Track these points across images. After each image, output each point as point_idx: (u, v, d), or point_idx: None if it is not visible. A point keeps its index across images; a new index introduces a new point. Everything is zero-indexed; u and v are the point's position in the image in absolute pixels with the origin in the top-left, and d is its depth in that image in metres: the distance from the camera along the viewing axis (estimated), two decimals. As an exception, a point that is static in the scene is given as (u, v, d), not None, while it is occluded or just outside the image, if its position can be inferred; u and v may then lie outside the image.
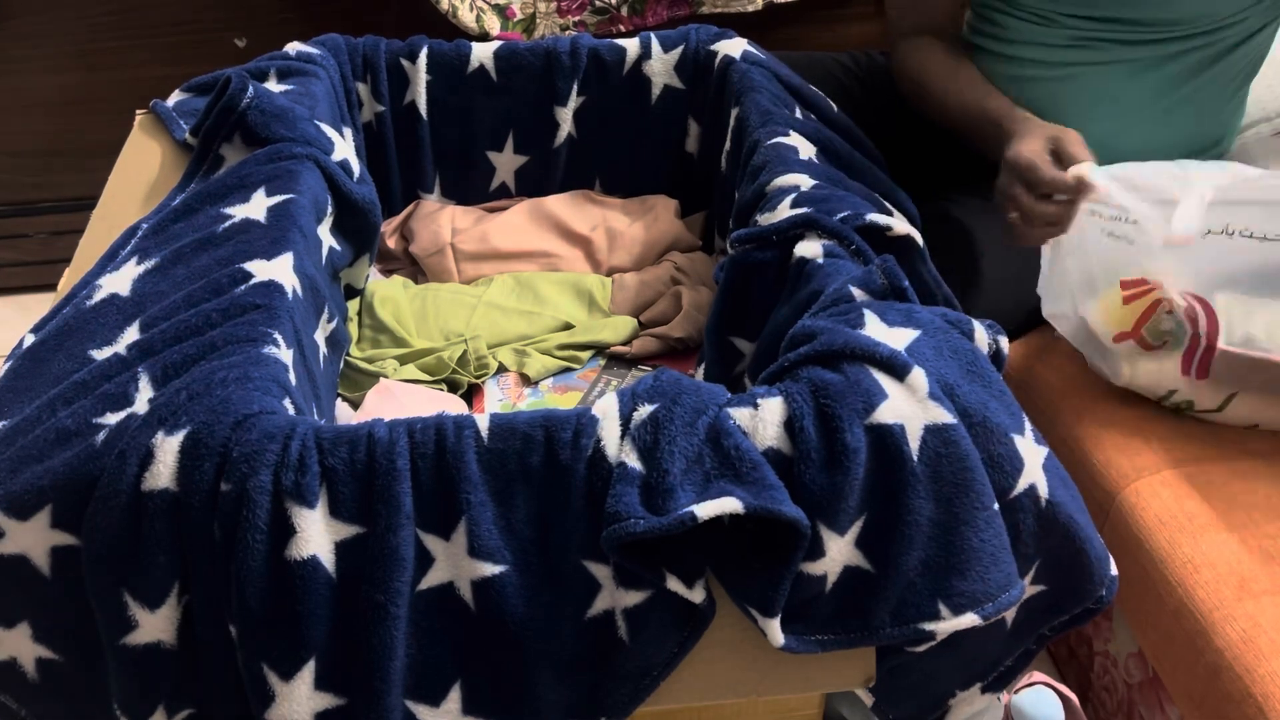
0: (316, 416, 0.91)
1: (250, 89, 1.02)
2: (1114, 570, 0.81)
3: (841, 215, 0.92)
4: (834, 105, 1.19)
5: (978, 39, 1.32)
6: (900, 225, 0.92)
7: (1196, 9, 1.18)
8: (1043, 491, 0.76)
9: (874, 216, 0.92)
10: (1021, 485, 0.75)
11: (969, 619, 0.73)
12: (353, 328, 1.14)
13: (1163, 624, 1.02)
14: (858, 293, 0.82)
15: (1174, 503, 1.06)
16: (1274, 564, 1.00)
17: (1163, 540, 1.04)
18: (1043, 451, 0.77)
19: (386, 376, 1.07)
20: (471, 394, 1.13)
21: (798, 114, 1.14)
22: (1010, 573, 0.75)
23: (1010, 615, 0.80)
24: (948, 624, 0.73)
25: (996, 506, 0.74)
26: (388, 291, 1.18)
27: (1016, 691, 1.08)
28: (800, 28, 1.73)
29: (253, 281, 0.85)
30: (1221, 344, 1.06)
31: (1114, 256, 1.10)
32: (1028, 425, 0.77)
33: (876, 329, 0.77)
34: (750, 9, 1.70)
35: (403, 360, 1.12)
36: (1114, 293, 1.11)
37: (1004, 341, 0.82)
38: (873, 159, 1.15)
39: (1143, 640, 1.08)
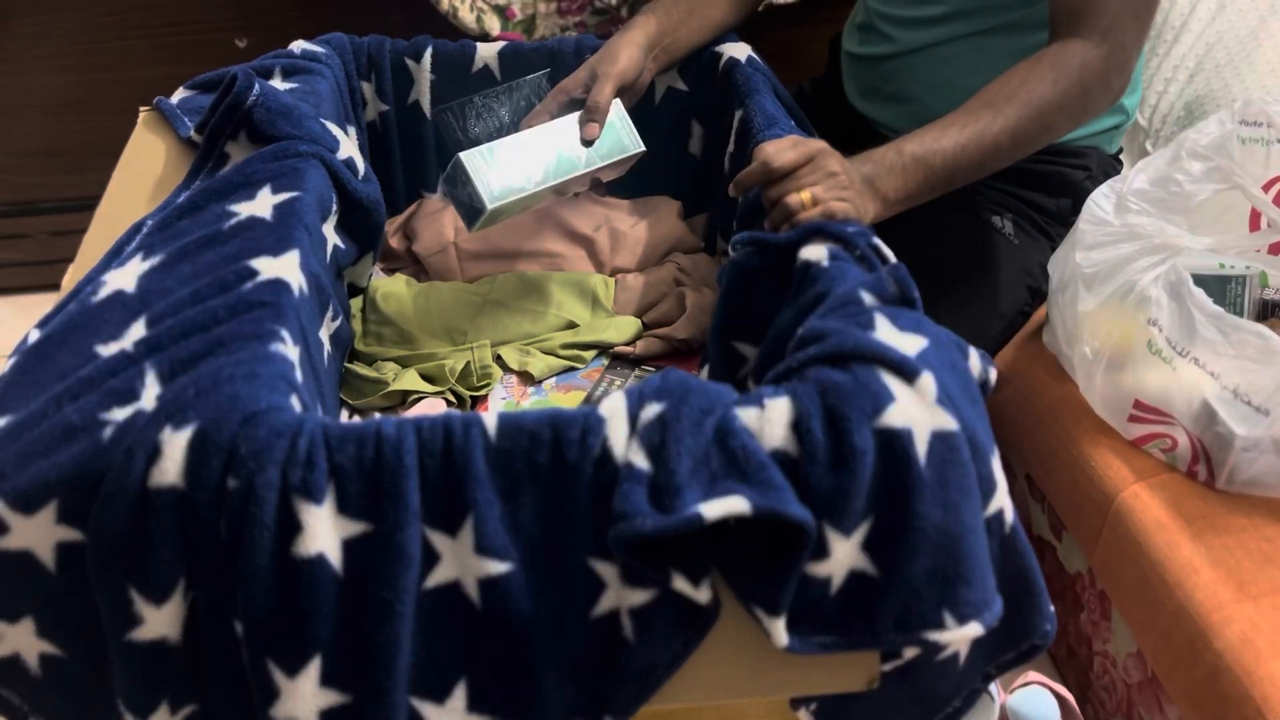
0: (321, 414, 0.91)
1: (256, 86, 1.02)
2: (1052, 607, 0.82)
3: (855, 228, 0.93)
4: (815, 131, 1.19)
5: (865, 48, 1.36)
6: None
7: None
8: (1008, 518, 0.77)
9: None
10: (992, 508, 0.76)
11: (973, 628, 0.73)
12: (356, 324, 1.15)
13: (1162, 625, 1.02)
14: (868, 297, 0.82)
15: (1173, 505, 1.07)
16: (1273, 566, 1.00)
17: (1162, 542, 1.04)
18: (1004, 479, 0.78)
19: (388, 383, 1.07)
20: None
21: (792, 124, 1.14)
22: (994, 583, 0.75)
23: (963, 651, 0.80)
24: (952, 634, 0.73)
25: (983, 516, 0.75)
26: (391, 288, 1.19)
27: (1011, 691, 1.08)
28: (800, 28, 1.74)
29: (259, 279, 0.85)
30: (1221, 486, 1.07)
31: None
32: (998, 451, 0.78)
33: (887, 332, 0.77)
34: (751, 11, 1.70)
35: (404, 363, 1.12)
36: (1111, 317, 1.12)
37: (993, 373, 0.83)
38: None
39: (1142, 641, 1.08)
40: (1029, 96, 1.07)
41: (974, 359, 0.81)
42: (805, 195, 0.94)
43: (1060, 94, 1.08)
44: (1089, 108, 1.11)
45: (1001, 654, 0.83)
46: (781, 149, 0.96)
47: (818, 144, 0.98)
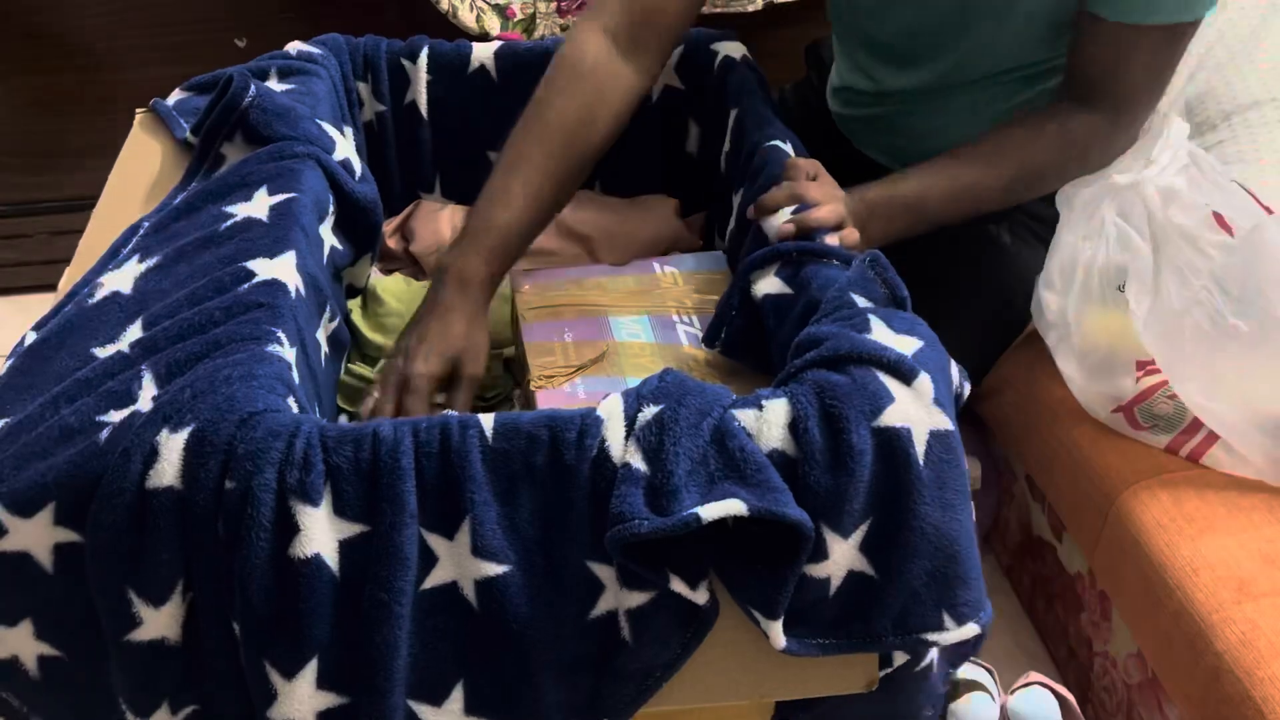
0: (319, 415, 0.91)
1: (252, 88, 1.02)
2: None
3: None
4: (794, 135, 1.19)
5: (840, 73, 1.34)
6: None
7: (971, 59, 1.16)
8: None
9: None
10: None
11: (970, 629, 0.73)
12: (359, 319, 1.14)
13: (1162, 626, 1.02)
14: (860, 299, 0.82)
15: (1173, 505, 1.07)
16: (1273, 567, 1.00)
17: (1162, 543, 1.04)
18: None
19: None
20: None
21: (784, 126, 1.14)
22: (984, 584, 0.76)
23: (935, 661, 0.80)
24: (952, 634, 0.74)
25: None
26: (390, 285, 1.18)
27: (1012, 692, 1.08)
28: (800, 28, 1.74)
29: (255, 280, 0.85)
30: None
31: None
32: None
33: (883, 334, 0.77)
34: (750, 9, 1.70)
35: None
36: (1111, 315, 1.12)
37: (967, 387, 0.83)
38: None
39: (1142, 642, 1.08)
40: (1028, 160, 1.08)
41: (953, 370, 0.82)
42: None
43: (1060, 161, 1.09)
44: (1086, 170, 1.11)
45: (957, 654, 0.83)
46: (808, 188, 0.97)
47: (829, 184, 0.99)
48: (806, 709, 0.81)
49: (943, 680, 0.84)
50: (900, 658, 0.78)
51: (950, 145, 1.09)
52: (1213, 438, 1.08)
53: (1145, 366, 1.11)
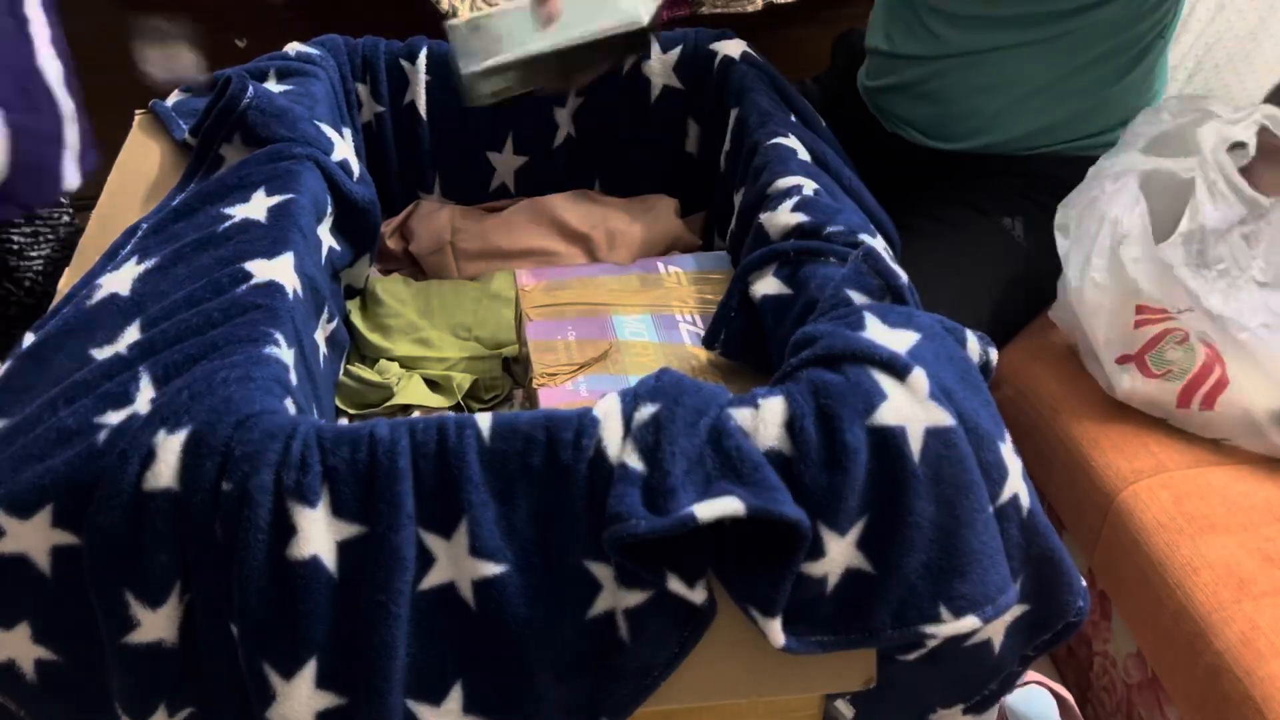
0: (317, 416, 0.91)
1: (250, 89, 1.02)
2: (1084, 582, 0.81)
3: (837, 228, 0.93)
4: (822, 120, 1.19)
5: (901, 47, 1.34)
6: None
7: None
8: (1025, 501, 0.77)
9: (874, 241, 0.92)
10: (1007, 494, 0.75)
11: (970, 621, 0.73)
12: (358, 320, 1.14)
13: (1162, 626, 1.02)
14: (856, 296, 0.82)
15: (1173, 505, 1.07)
16: (1273, 566, 1.00)
17: (1161, 542, 1.04)
18: (1019, 462, 0.78)
19: (390, 387, 1.07)
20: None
21: (792, 119, 1.14)
22: (1006, 575, 0.75)
23: (997, 639, 0.80)
24: (949, 626, 0.73)
25: (991, 510, 0.74)
26: (390, 285, 1.19)
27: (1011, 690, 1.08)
28: (800, 28, 1.74)
29: (253, 281, 0.85)
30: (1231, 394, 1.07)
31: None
32: (1008, 435, 0.78)
33: (877, 331, 0.77)
34: (750, 9, 1.70)
35: (410, 365, 1.11)
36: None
37: (993, 353, 0.83)
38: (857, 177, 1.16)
39: (1142, 642, 1.08)
40: None
41: (972, 342, 0.82)
42: None
43: None
44: None
45: (1037, 636, 0.82)
46: None
47: None
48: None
49: (1016, 660, 0.83)
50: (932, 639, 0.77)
51: (992, 108, 1.08)
52: (1223, 382, 1.08)
53: (1144, 311, 1.11)
